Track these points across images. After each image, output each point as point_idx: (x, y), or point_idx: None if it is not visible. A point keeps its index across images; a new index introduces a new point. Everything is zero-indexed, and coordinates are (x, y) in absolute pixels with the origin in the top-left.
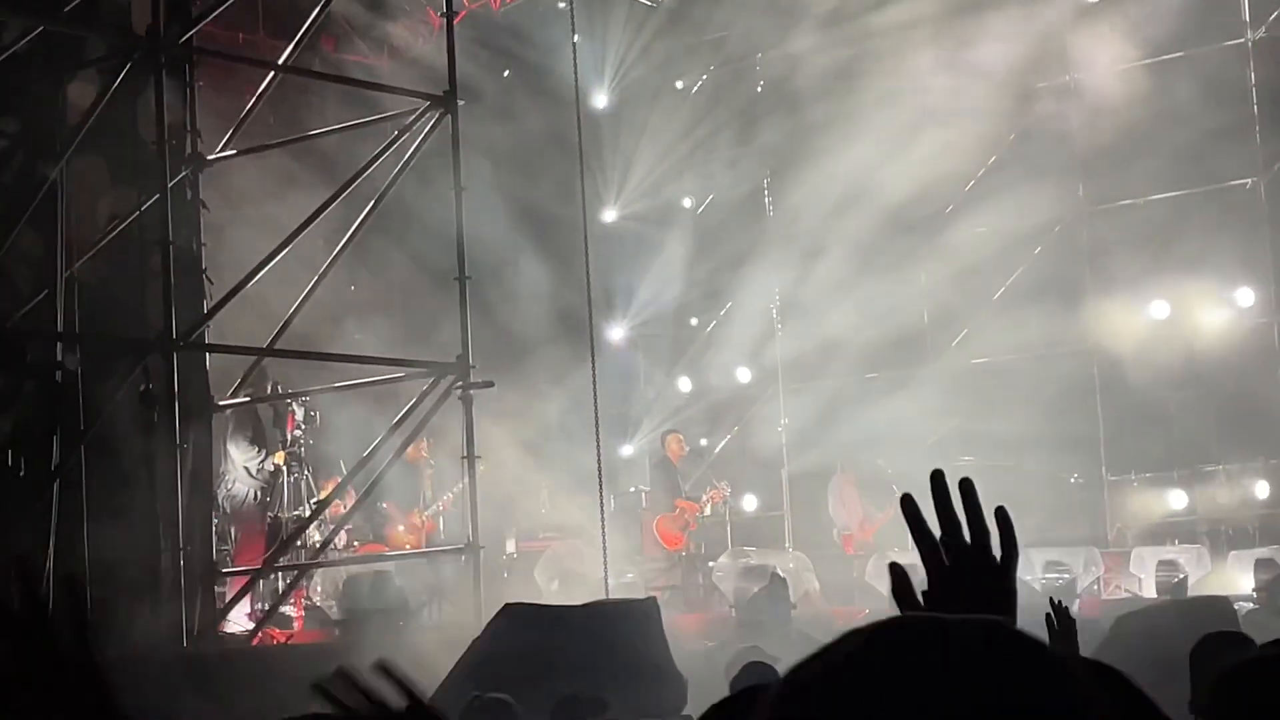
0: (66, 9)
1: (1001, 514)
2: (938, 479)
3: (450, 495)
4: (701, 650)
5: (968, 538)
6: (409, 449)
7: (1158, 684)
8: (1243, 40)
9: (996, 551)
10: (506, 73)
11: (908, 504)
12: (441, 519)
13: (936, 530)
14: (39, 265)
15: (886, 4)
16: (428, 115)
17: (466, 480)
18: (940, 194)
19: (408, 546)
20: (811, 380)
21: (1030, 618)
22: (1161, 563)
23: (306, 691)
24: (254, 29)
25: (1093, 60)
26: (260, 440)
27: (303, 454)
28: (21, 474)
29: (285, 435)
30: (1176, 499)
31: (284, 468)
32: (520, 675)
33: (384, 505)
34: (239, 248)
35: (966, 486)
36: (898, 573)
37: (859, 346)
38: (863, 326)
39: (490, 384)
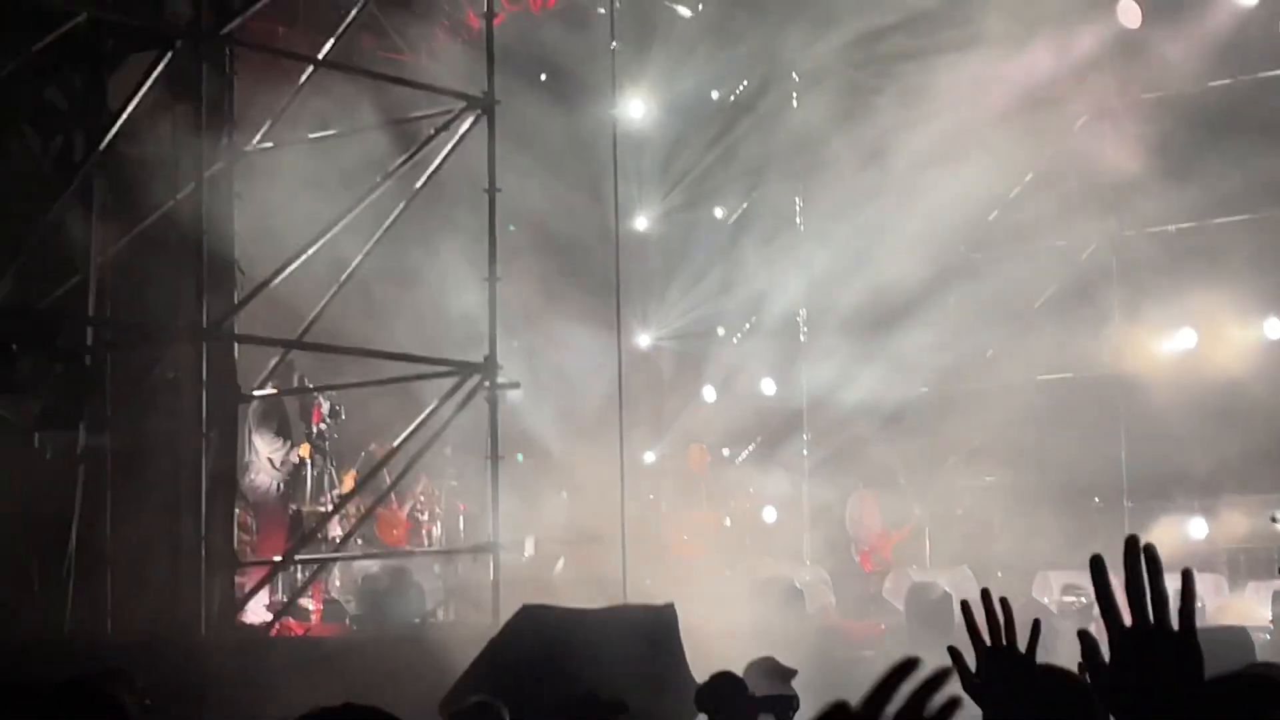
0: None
1: (1186, 577)
2: (1131, 545)
3: (436, 493)
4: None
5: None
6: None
7: None
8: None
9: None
10: (543, 76)
11: (1096, 566)
12: (429, 516)
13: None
14: (73, 250)
15: (924, 24)
16: (464, 115)
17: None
18: (972, 214)
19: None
20: (835, 395)
21: (1046, 641)
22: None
23: (321, 684)
24: (293, 23)
25: (1129, 86)
26: (285, 432)
27: (326, 448)
28: (48, 456)
29: (311, 428)
30: (1196, 527)
31: (308, 460)
32: (535, 677)
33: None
34: (272, 240)
35: (1151, 552)
36: (1088, 642)
37: (884, 363)
38: (889, 343)
39: (516, 385)
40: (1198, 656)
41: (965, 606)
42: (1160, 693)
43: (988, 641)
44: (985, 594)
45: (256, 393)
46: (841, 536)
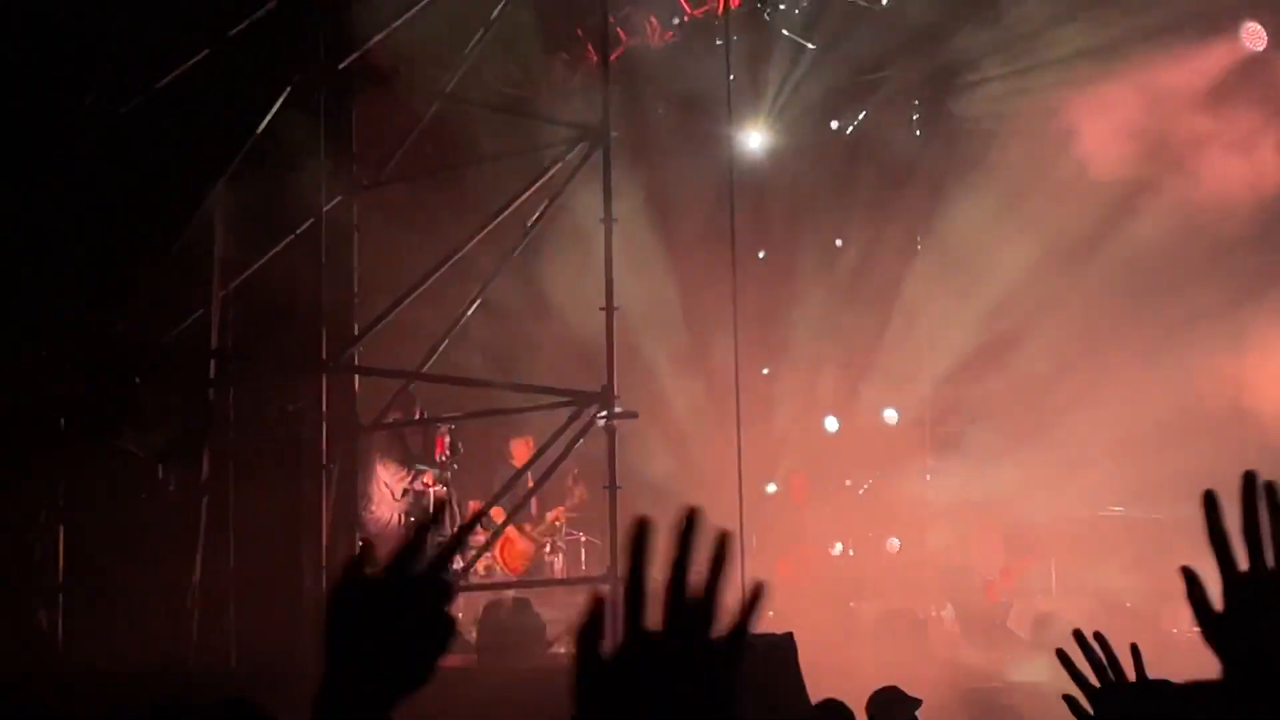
0: (230, 33)
1: None
2: (1249, 481)
3: (558, 524)
4: (839, 690)
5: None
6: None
7: None
8: None
9: None
10: (661, 109)
11: (1210, 502)
12: (550, 547)
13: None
14: (195, 284)
15: (1047, 54)
16: (581, 148)
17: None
18: (1092, 241)
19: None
20: (958, 425)
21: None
22: None
23: (443, 713)
24: (412, 60)
25: (1252, 112)
26: (408, 462)
27: (448, 478)
28: (171, 488)
29: (435, 459)
30: None
31: (430, 491)
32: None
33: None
34: (392, 273)
35: (1272, 490)
36: (1193, 580)
37: (1005, 392)
38: (1009, 372)
39: (634, 414)
40: None
41: (1078, 636)
42: (1274, 643)
43: (1094, 682)
44: (1078, 635)
45: (377, 424)
46: (966, 567)
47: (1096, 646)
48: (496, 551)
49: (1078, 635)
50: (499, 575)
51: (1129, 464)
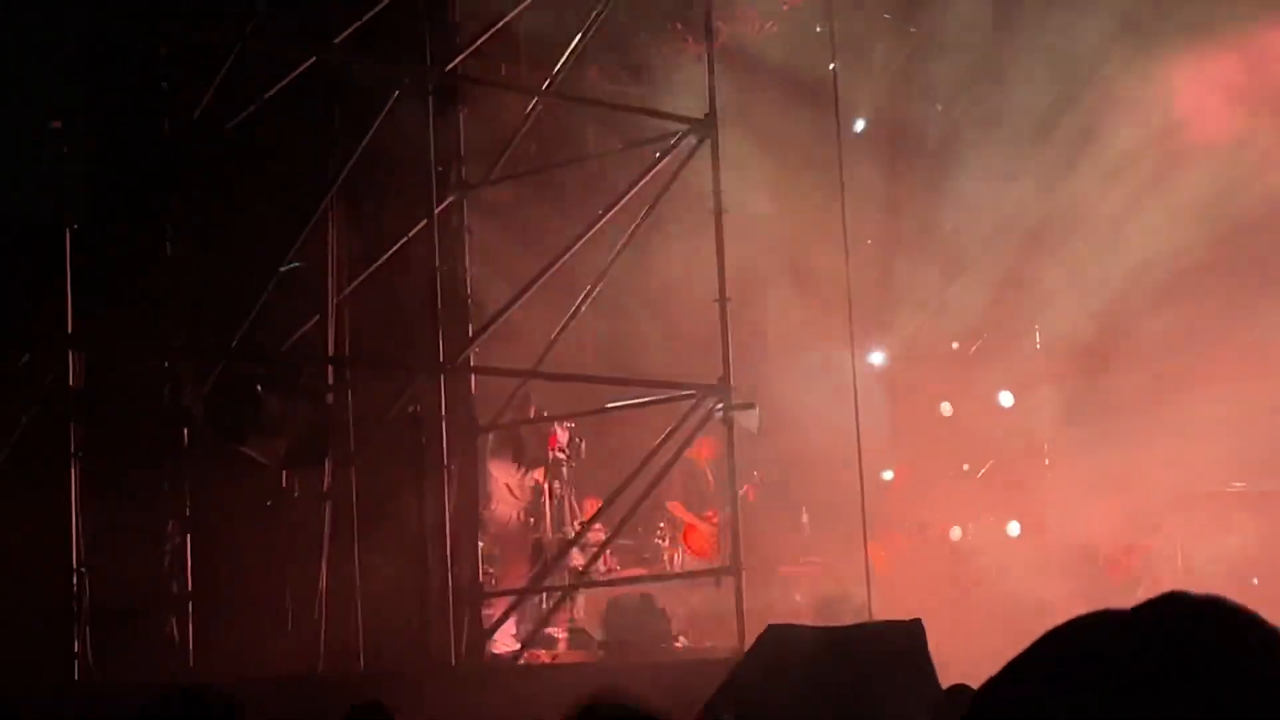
0: (338, 39)
1: None
2: None
3: (679, 519)
4: (963, 675)
5: None
6: (690, 451)
7: None
8: None
9: None
10: (767, 96)
11: None
12: (669, 541)
13: None
14: (311, 291)
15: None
16: (688, 139)
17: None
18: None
19: (683, 558)
20: (1074, 404)
21: None
22: None
23: (570, 711)
24: (515, 60)
25: None
26: (522, 459)
27: (565, 475)
28: (296, 495)
29: (548, 455)
30: None
31: (545, 486)
32: (784, 696)
33: (668, 505)
34: (504, 273)
35: None
36: None
37: (1124, 370)
38: (1128, 349)
39: (751, 405)
40: None
41: None
42: None
43: None
44: None
45: (496, 423)
46: (1091, 548)
47: None
48: (681, 540)
49: None
50: (684, 563)
51: (1249, 439)
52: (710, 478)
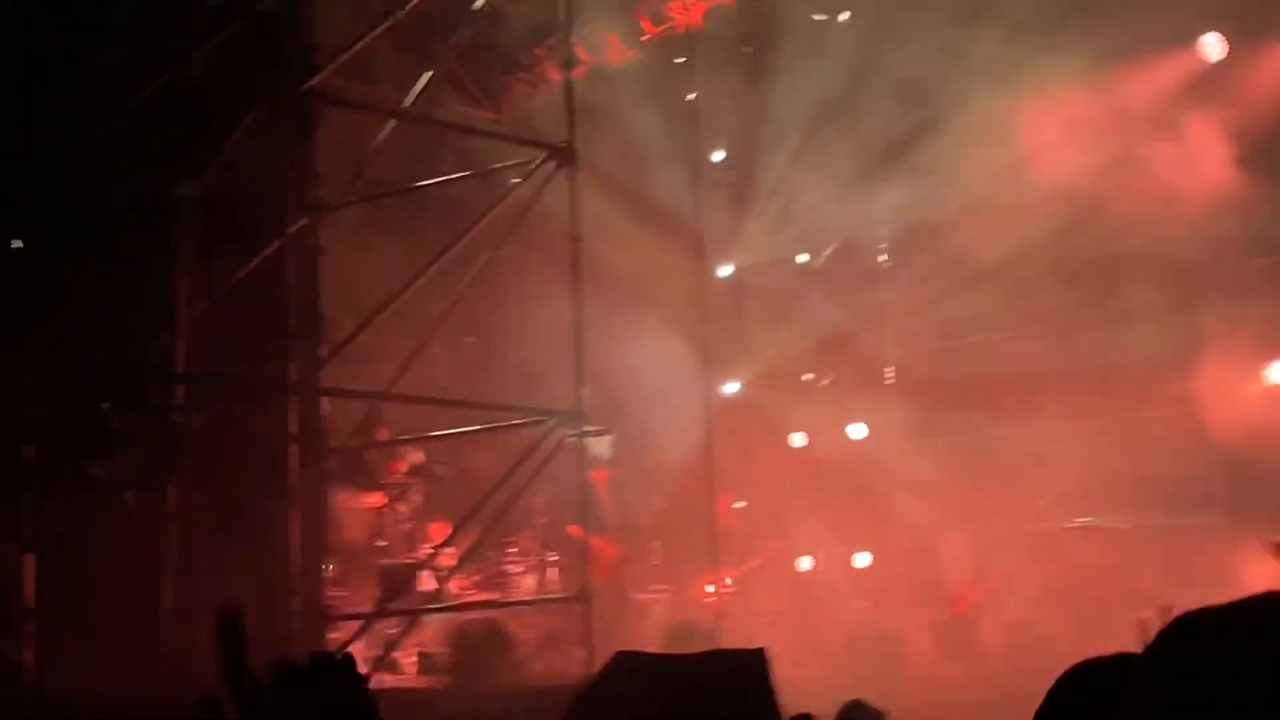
0: (195, 55)
1: None
2: None
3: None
4: (808, 704)
5: None
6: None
7: None
8: None
9: None
10: (624, 126)
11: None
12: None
13: None
14: (160, 309)
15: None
16: (546, 167)
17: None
18: (1051, 252)
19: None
20: (925, 438)
21: None
22: None
23: None
24: (375, 81)
25: (1208, 123)
26: (369, 484)
27: (414, 499)
28: (140, 515)
29: (389, 479)
30: None
31: (388, 511)
32: None
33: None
34: (361, 295)
35: None
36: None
37: (974, 403)
38: (978, 382)
39: (605, 432)
40: None
41: None
42: None
43: None
44: None
45: (346, 445)
46: (936, 581)
47: None
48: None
49: None
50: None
51: (1096, 475)
52: (607, 502)
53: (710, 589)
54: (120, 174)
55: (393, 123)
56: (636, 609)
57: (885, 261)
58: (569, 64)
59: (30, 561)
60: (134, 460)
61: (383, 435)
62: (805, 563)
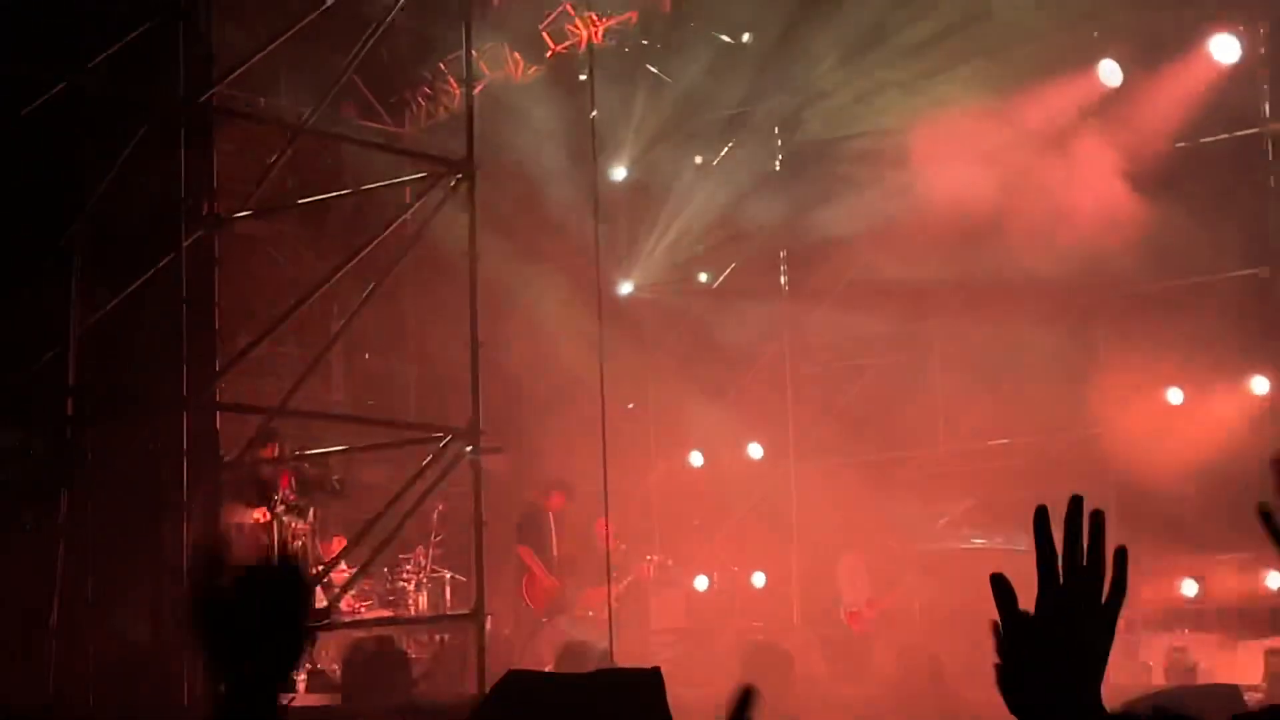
0: (89, 66)
1: (1120, 554)
2: (1076, 503)
3: (423, 561)
4: None
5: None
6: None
7: None
8: (1259, 131)
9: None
10: (525, 142)
11: (1040, 515)
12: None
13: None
14: (53, 321)
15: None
16: (445, 181)
17: (473, 546)
18: (948, 274)
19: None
20: (822, 458)
21: None
22: (1172, 649)
23: None
24: (275, 93)
25: (1104, 148)
26: (263, 499)
27: (302, 514)
28: (27, 529)
29: (276, 495)
30: (1188, 586)
31: (290, 525)
32: None
33: (519, 549)
34: (258, 308)
35: (1098, 519)
36: (1001, 584)
37: (870, 425)
38: (873, 405)
39: (499, 449)
40: (1113, 625)
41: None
42: (1072, 659)
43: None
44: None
45: (239, 461)
46: (832, 600)
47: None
48: (523, 590)
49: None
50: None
51: (990, 495)
52: (553, 526)
53: (590, 613)
54: (10, 185)
55: (292, 136)
56: (530, 628)
57: (785, 281)
58: (469, 79)
59: None
60: (23, 475)
61: (277, 451)
62: (702, 582)
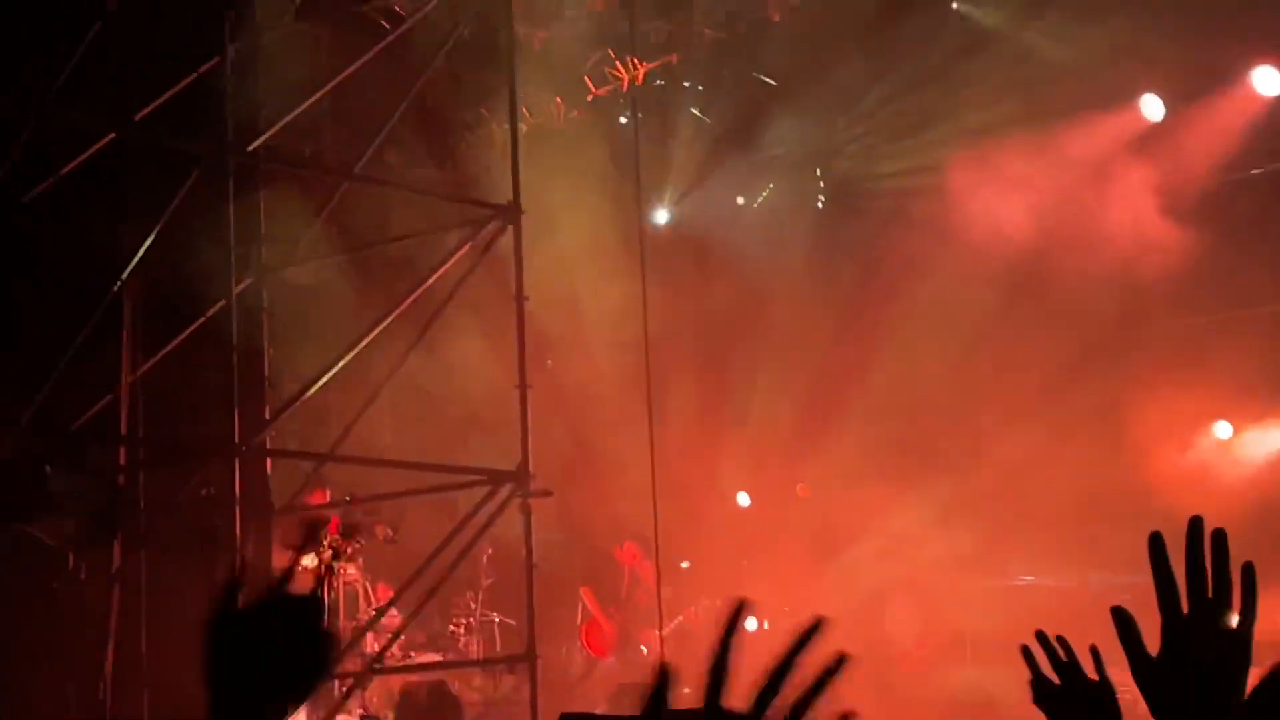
0: (137, 117)
1: (1248, 571)
2: (1196, 524)
3: (473, 605)
4: None
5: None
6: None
7: None
8: None
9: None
10: (569, 185)
11: (1156, 543)
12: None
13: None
14: (104, 369)
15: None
16: (491, 226)
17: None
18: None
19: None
20: (870, 498)
21: None
22: None
23: None
24: (320, 141)
25: (1146, 182)
26: (313, 545)
27: (348, 559)
28: (82, 577)
29: (326, 541)
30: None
31: (339, 570)
32: None
33: (581, 590)
34: (307, 355)
35: (1220, 538)
36: (1123, 618)
37: (913, 457)
38: (918, 436)
39: (549, 493)
40: (1247, 656)
41: (1040, 636)
42: (1208, 690)
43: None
44: (1040, 635)
45: (290, 507)
46: (881, 639)
47: (1059, 647)
48: (582, 636)
49: (1040, 635)
50: (581, 659)
51: (1038, 534)
52: (625, 577)
53: (644, 649)
54: (64, 233)
55: (339, 183)
56: (583, 670)
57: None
58: (515, 123)
59: None
60: (75, 522)
61: (327, 496)
62: (751, 623)
